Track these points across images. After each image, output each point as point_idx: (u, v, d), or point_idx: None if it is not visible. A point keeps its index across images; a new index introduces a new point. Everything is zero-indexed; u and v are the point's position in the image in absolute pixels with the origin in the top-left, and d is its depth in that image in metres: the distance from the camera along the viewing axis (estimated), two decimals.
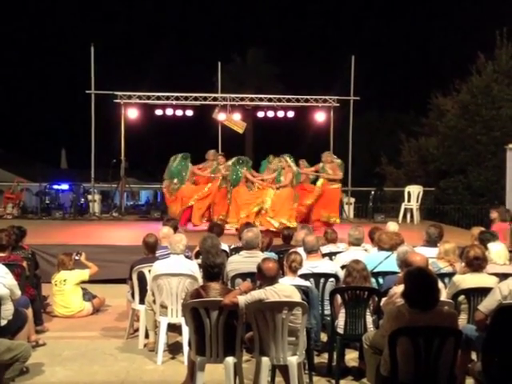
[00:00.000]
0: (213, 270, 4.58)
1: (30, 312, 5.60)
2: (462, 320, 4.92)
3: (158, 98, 15.14)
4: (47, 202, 15.76)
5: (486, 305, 4.45)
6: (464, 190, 16.76)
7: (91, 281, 7.49)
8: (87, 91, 14.74)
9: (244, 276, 5.57)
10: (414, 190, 14.18)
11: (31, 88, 28.30)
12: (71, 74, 22.32)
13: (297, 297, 4.48)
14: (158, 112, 15.24)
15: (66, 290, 7.10)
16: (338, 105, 15.51)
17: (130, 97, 15.00)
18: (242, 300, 4.28)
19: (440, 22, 25.49)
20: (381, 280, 5.68)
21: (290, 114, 15.59)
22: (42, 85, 28.12)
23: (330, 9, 28.09)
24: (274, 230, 10.01)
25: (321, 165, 11.64)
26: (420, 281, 3.69)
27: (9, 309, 4.87)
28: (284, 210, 10.63)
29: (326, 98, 15.49)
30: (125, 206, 15.95)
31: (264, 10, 29.12)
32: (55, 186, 16.35)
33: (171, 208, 11.58)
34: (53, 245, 9.23)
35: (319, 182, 11.51)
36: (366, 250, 6.86)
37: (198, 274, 5.62)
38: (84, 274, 7.26)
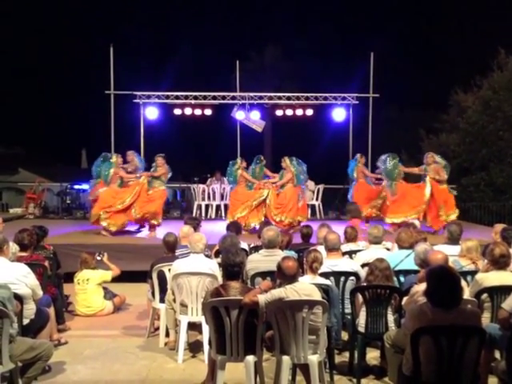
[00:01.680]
0: (233, 269, 4.58)
1: (51, 311, 5.66)
2: (485, 319, 4.85)
3: (177, 97, 15.19)
4: (68, 201, 15.91)
5: (510, 303, 4.38)
6: (486, 187, 16.54)
7: (112, 279, 7.55)
8: (106, 91, 14.83)
9: (264, 275, 5.56)
10: None
11: (51, 89, 28.57)
12: (91, 75, 22.46)
13: (317, 295, 4.45)
14: (177, 111, 15.29)
15: (88, 289, 7.17)
16: (357, 102, 15.41)
17: (148, 96, 15.08)
18: (262, 299, 4.27)
19: (460, 18, 25.12)
20: (402, 278, 5.63)
21: (309, 112, 15.52)
22: (62, 85, 28.37)
23: (349, 5, 27.86)
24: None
25: (423, 166, 11.39)
26: (443, 279, 3.64)
27: (31, 308, 4.92)
28: (289, 209, 10.90)
29: (345, 95, 15.40)
30: None
31: (282, 7, 28.98)
32: (76, 186, 16.48)
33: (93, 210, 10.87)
34: (74, 244, 9.32)
35: (428, 184, 11.27)
36: (387, 249, 6.81)
37: (218, 272, 5.63)
38: (107, 275, 7.32)
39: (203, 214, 14.60)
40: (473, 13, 24.36)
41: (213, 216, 14.59)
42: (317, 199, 14.56)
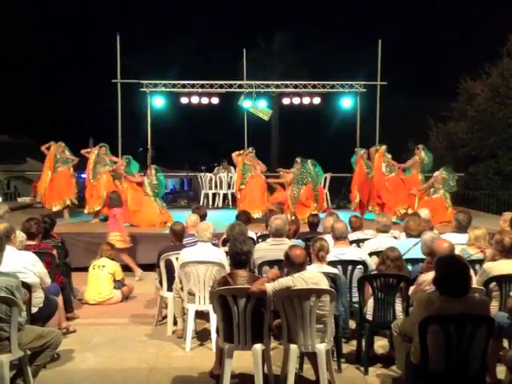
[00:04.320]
0: (240, 258, 4.57)
1: (60, 299, 5.69)
2: (494, 307, 4.82)
3: (184, 85, 15.13)
4: (76, 190, 15.88)
5: None
6: (494, 175, 16.43)
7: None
8: (113, 80, 14.79)
9: (271, 263, 5.55)
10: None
11: (58, 78, 28.57)
12: (98, 63, 22.42)
13: (325, 284, 4.44)
14: (184, 100, 15.24)
15: (101, 275, 7.25)
16: (364, 90, 15.29)
17: (155, 85, 15.03)
18: (270, 287, 4.26)
19: (468, 4, 24.87)
20: (409, 267, 5.61)
21: (316, 100, 15.42)
22: (68, 74, 28.39)
23: None
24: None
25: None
26: (451, 267, 3.62)
27: (39, 296, 4.94)
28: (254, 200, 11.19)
29: (353, 83, 15.27)
30: None
31: None
32: (83, 175, 16.46)
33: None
34: (81, 233, 9.36)
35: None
36: (394, 237, 6.79)
37: (226, 261, 5.63)
38: (120, 272, 7.42)
39: (210, 203, 14.62)
40: (482, 0, 24.14)
41: (220, 205, 14.61)
42: (324, 187, 14.50)
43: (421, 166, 11.76)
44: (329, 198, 14.56)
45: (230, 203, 14.29)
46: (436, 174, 11.59)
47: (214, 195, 14.82)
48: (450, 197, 11.34)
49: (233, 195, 13.73)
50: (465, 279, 3.60)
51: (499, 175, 16.38)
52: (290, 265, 4.46)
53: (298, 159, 11.62)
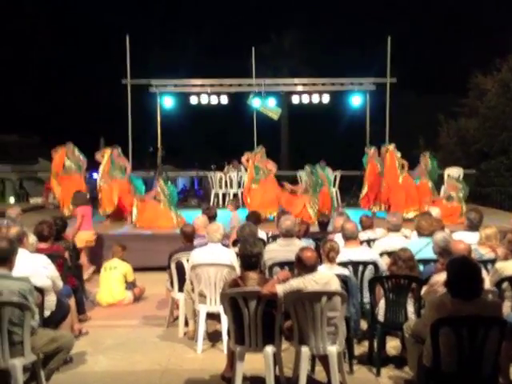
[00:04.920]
0: (250, 260, 4.58)
1: (72, 302, 5.72)
2: (507, 308, 4.79)
3: (193, 85, 15.14)
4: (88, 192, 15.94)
5: None
6: (506, 171, 16.31)
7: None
8: (123, 81, 14.84)
9: (282, 265, 5.55)
10: (454, 173, 13.86)
11: (68, 78, 28.71)
12: (108, 64, 22.49)
13: (335, 284, 4.45)
14: (193, 100, 15.25)
15: (113, 276, 7.29)
16: (374, 88, 15.23)
17: (165, 85, 15.05)
18: (281, 289, 4.27)
19: (478, 0, 24.69)
20: (421, 267, 5.58)
21: (326, 98, 15.36)
22: (78, 74, 28.48)
23: None
24: None
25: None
26: (463, 270, 3.61)
27: (52, 300, 4.97)
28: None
29: (362, 81, 15.22)
30: None
31: None
32: (95, 175, 16.52)
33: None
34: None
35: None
36: (405, 237, 6.76)
37: (236, 262, 5.64)
38: (131, 274, 7.45)
39: (220, 203, 14.63)
40: None
41: None
42: (334, 186, 14.49)
43: (427, 173, 11.71)
44: (339, 197, 14.56)
45: (240, 202, 14.28)
46: (451, 183, 11.57)
47: (224, 194, 14.81)
48: (465, 205, 11.25)
49: (243, 194, 13.73)
50: (477, 282, 3.59)
51: (511, 171, 16.26)
52: (301, 267, 4.47)
53: (308, 168, 11.62)
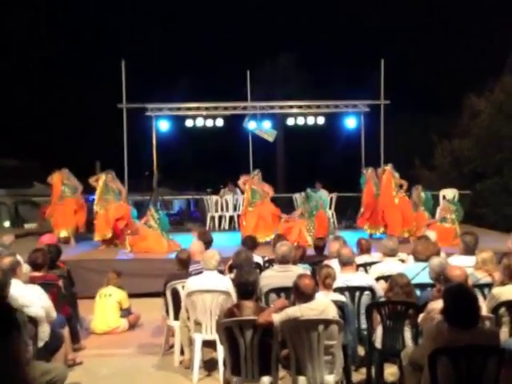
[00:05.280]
0: (246, 288, 4.56)
1: (66, 331, 5.66)
2: (504, 333, 4.77)
3: (188, 108, 15.20)
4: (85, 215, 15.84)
5: None
6: (501, 191, 16.34)
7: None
8: (119, 105, 14.89)
9: (278, 291, 5.52)
10: (450, 194, 13.90)
11: (64, 102, 28.83)
12: (104, 88, 22.62)
13: (332, 311, 4.42)
14: (189, 123, 15.28)
15: (108, 304, 7.22)
16: (368, 109, 15.34)
17: (160, 109, 15.11)
18: (277, 318, 4.24)
19: (471, 21, 24.97)
20: (418, 292, 5.56)
21: (321, 120, 15.44)
22: (74, 98, 28.62)
23: (359, 12, 27.78)
24: None
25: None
26: (460, 299, 3.59)
27: (45, 331, 4.91)
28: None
29: (356, 103, 15.33)
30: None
31: (292, 16, 29.00)
32: (92, 197, 16.47)
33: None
34: (88, 260, 9.35)
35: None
36: (402, 261, 6.75)
37: (232, 289, 5.59)
38: (126, 301, 7.39)
39: (216, 226, 14.62)
40: (484, 17, 24.22)
41: (226, 227, 14.59)
42: (330, 208, 14.50)
43: (422, 204, 11.75)
44: (335, 219, 14.57)
45: (236, 226, 14.27)
46: (444, 206, 11.62)
47: (220, 217, 14.80)
48: (459, 227, 11.28)
49: (239, 217, 13.73)
50: (473, 311, 3.57)
51: (506, 192, 16.29)
52: (298, 295, 4.44)
53: (303, 193, 11.67)
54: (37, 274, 5.82)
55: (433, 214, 12.22)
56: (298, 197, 11.81)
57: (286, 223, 11.33)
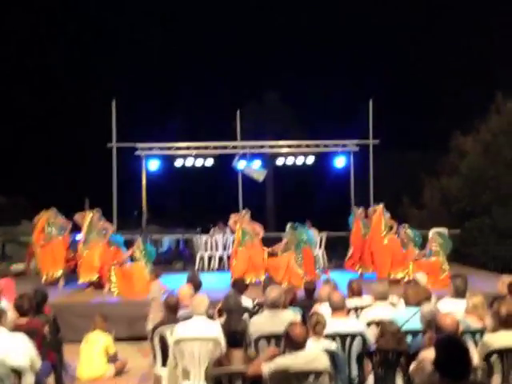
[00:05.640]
0: (235, 337, 4.50)
1: (51, 379, 5.53)
2: (496, 381, 4.71)
3: (178, 148, 15.24)
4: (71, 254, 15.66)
5: None
6: (490, 231, 16.41)
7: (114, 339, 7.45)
8: (109, 144, 14.92)
9: (268, 338, 5.45)
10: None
11: (54, 139, 28.90)
12: (93, 127, 22.74)
13: (323, 361, 4.35)
14: (179, 163, 15.31)
15: (94, 350, 7.08)
16: (357, 149, 15.47)
17: (150, 148, 15.14)
18: (266, 369, 4.17)
19: (456, 61, 25.52)
20: (409, 338, 5.50)
21: (310, 159, 15.55)
22: (63, 136, 28.71)
23: (347, 52, 28.33)
24: None
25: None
26: (451, 351, 3.54)
27: (30, 382, 4.78)
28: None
29: (346, 142, 15.46)
30: None
31: (280, 54, 29.48)
32: (78, 237, 16.32)
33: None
34: (74, 304, 9.21)
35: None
36: (392, 304, 6.70)
37: (222, 336, 5.50)
38: (113, 347, 7.25)
39: (206, 266, 14.50)
40: (470, 57, 24.75)
41: (216, 267, 14.48)
42: (320, 247, 14.47)
43: (411, 241, 11.78)
44: (325, 258, 14.53)
45: (226, 265, 14.17)
46: (431, 239, 11.67)
47: (210, 257, 14.69)
48: (446, 261, 11.32)
49: (229, 257, 13.66)
50: (465, 363, 3.52)
51: (494, 231, 16.36)
52: (289, 343, 4.38)
53: (289, 224, 11.67)
54: (22, 320, 5.70)
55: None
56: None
57: (272, 261, 11.32)
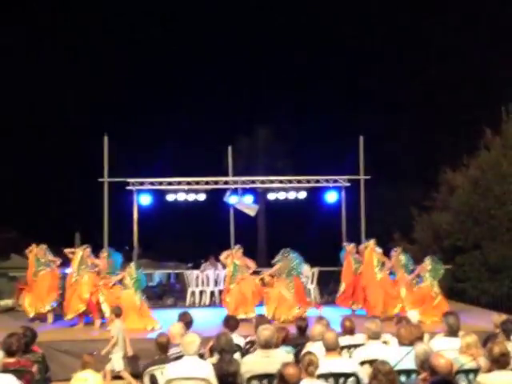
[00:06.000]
0: (227, 379, 4.46)
1: None
2: None
3: (170, 183, 15.27)
4: (60, 290, 15.49)
5: None
6: (481, 266, 16.44)
7: None
8: (100, 179, 14.93)
9: (260, 378, 5.38)
10: None
11: (44, 173, 28.96)
12: (84, 161, 22.85)
13: None
14: (170, 197, 15.31)
15: None
16: (348, 185, 15.58)
17: (142, 183, 15.15)
18: None
19: (444, 97, 25.93)
20: (403, 378, 5.46)
21: (302, 195, 15.63)
22: (54, 171, 28.79)
23: (337, 89, 28.77)
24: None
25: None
26: None
27: None
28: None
29: (337, 177, 15.58)
30: None
31: (272, 90, 29.86)
32: (67, 270, 16.15)
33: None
34: (63, 341, 9.07)
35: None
36: (385, 342, 6.66)
37: (213, 376, 5.42)
38: None
39: (197, 301, 14.40)
40: (457, 93, 25.13)
41: (207, 302, 14.39)
42: (312, 283, 14.44)
43: (402, 267, 11.82)
44: (318, 293, 14.48)
45: (218, 301, 14.08)
46: (422, 265, 11.68)
47: (201, 292, 14.60)
48: (437, 284, 11.36)
49: (220, 292, 13.59)
50: None
51: (485, 266, 16.39)
52: None
53: (282, 250, 11.70)
54: (10, 360, 5.61)
55: None
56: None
57: (264, 293, 11.33)
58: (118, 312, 8.74)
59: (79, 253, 11.32)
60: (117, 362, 8.09)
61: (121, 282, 11.08)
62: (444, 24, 26.40)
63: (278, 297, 11.22)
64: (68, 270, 11.85)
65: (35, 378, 5.83)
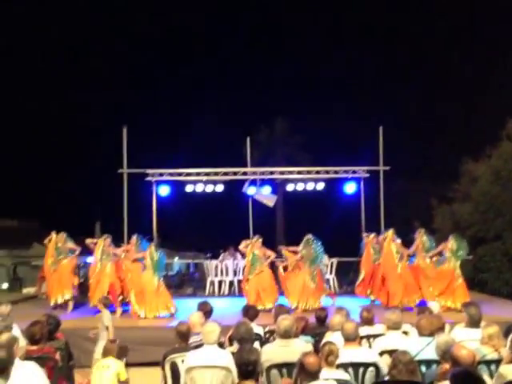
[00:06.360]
0: (247, 368, 4.46)
1: None
2: None
3: (189, 174, 15.31)
4: (81, 278, 15.68)
5: None
6: (502, 256, 16.28)
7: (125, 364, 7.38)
8: (120, 170, 15.02)
9: (279, 366, 5.40)
10: None
11: (66, 164, 29.27)
12: (105, 152, 23.03)
13: None
14: (189, 188, 15.38)
15: (105, 376, 6.97)
16: (367, 175, 15.47)
17: (161, 174, 15.23)
18: None
19: (468, 88, 25.64)
20: (423, 368, 5.43)
21: (320, 186, 15.57)
22: (76, 162, 29.09)
23: (357, 79, 28.59)
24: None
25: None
26: None
27: None
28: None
29: (356, 168, 15.48)
30: None
31: (290, 81, 29.82)
32: (89, 259, 16.31)
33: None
34: (84, 328, 9.17)
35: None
36: (405, 333, 6.62)
37: (232, 364, 5.45)
38: (124, 374, 7.17)
39: (216, 291, 14.47)
40: (481, 83, 24.85)
41: (226, 292, 14.44)
42: (331, 273, 14.43)
43: (424, 250, 11.67)
44: (336, 284, 14.47)
45: (237, 290, 14.14)
46: (445, 242, 11.54)
47: (220, 282, 14.67)
48: (460, 266, 11.22)
49: (239, 282, 13.65)
50: None
51: (506, 256, 16.22)
52: (303, 373, 4.36)
53: (306, 237, 11.64)
54: (33, 347, 5.69)
55: None
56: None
57: (287, 282, 11.30)
58: (106, 302, 8.86)
59: (101, 243, 11.46)
60: (99, 349, 8.12)
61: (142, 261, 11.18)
62: None
63: (302, 285, 11.23)
64: (89, 259, 11.99)
65: (58, 365, 5.91)
